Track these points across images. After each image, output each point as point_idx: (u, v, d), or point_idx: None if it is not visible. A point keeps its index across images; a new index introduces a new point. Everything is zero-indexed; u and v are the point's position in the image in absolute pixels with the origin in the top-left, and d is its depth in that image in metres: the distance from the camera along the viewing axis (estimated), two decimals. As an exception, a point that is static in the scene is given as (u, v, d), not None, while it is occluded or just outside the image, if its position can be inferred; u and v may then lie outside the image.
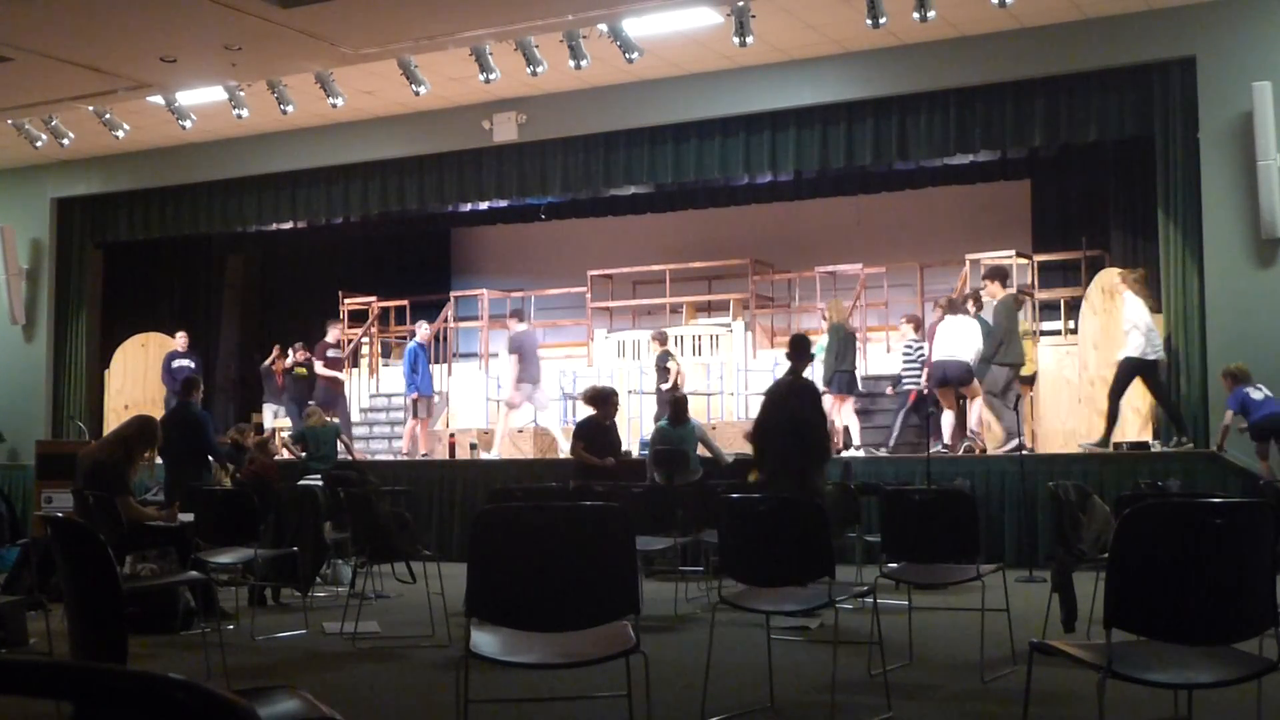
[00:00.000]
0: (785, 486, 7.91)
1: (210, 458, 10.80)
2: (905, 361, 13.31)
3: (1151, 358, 11.27)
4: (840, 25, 11.80)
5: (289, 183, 15.65)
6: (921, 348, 13.07)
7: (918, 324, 13.51)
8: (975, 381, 12.27)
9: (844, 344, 13.11)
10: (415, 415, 15.16)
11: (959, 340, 12.36)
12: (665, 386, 14.02)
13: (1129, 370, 11.31)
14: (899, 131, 12.61)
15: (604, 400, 10.04)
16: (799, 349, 8.59)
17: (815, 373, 12.32)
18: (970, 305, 12.79)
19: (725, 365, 15.29)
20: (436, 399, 15.88)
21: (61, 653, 5.88)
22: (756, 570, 5.47)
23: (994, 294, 12.46)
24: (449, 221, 18.43)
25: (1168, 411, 11.44)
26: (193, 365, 15.88)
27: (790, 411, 8.15)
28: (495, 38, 11.75)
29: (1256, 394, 10.51)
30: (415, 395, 15.06)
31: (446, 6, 11.05)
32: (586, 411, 11.32)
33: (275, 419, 16.05)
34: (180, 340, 16.32)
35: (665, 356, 14.33)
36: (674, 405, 11.19)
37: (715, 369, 15.28)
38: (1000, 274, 12.71)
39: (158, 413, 11.88)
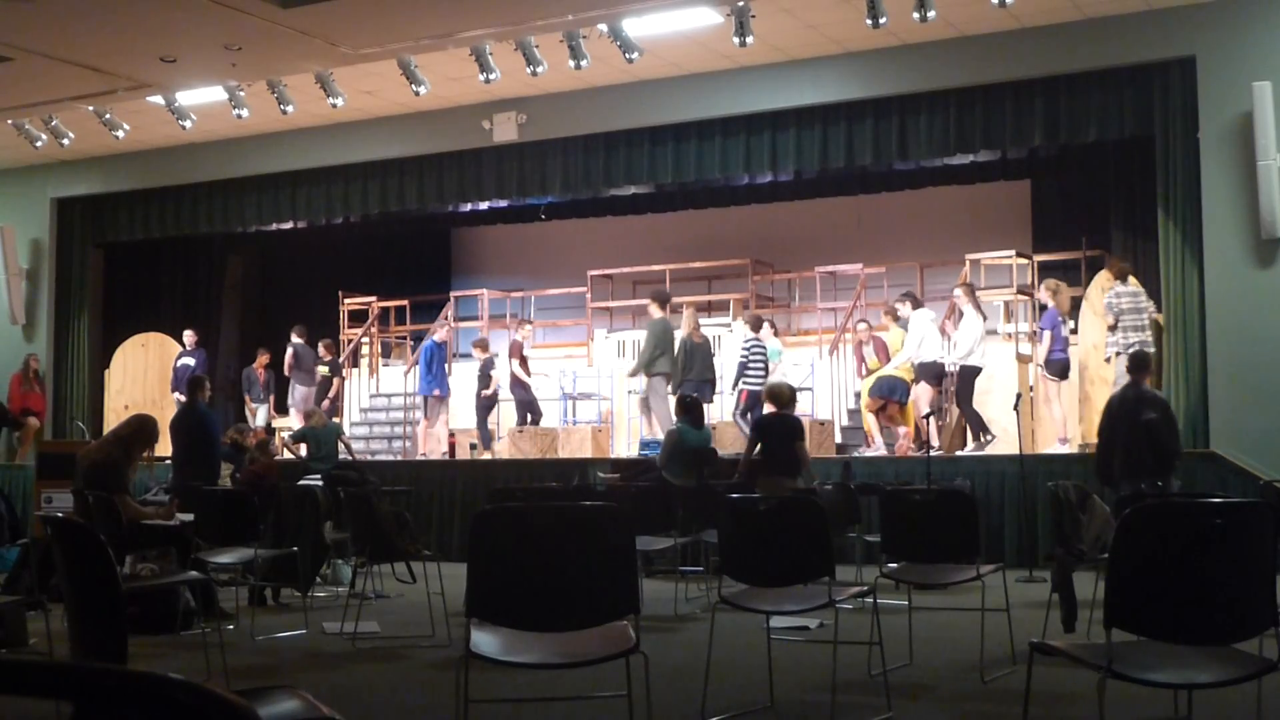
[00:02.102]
0: (1131, 488, 8.62)
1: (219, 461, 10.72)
2: (745, 360, 13.32)
3: (977, 364, 12.42)
4: (840, 25, 11.81)
5: (289, 183, 15.65)
6: (762, 348, 13.34)
7: (756, 323, 13.68)
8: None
9: (689, 355, 13.23)
10: (426, 415, 15.10)
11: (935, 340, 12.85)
12: (486, 392, 14.74)
13: (969, 377, 12.38)
14: (899, 131, 12.61)
15: (794, 398, 10.22)
16: (1140, 365, 9.38)
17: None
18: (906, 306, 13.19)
19: (725, 365, 15.26)
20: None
21: (61, 653, 5.88)
22: (756, 570, 5.47)
23: (652, 315, 13.46)
24: (449, 221, 18.44)
25: (969, 416, 12.37)
26: (193, 363, 15.87)
27: (1141, 420, 8.95)
28: (495, 38, 11.75)
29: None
30: (435, 394, 14.99)
31: (446, 6, 11.05)
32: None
33: (260, 419, 16.05)
34: (187, 338, 16.32)
35: (489, 364, 14.88)
36: (693, 409, 11.13)
37: (715, 369, 15.23)
38: (661, 297, 13.69)
39: (157, 412, 11.87)
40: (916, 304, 13.14)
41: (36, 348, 16.65)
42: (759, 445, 9.70)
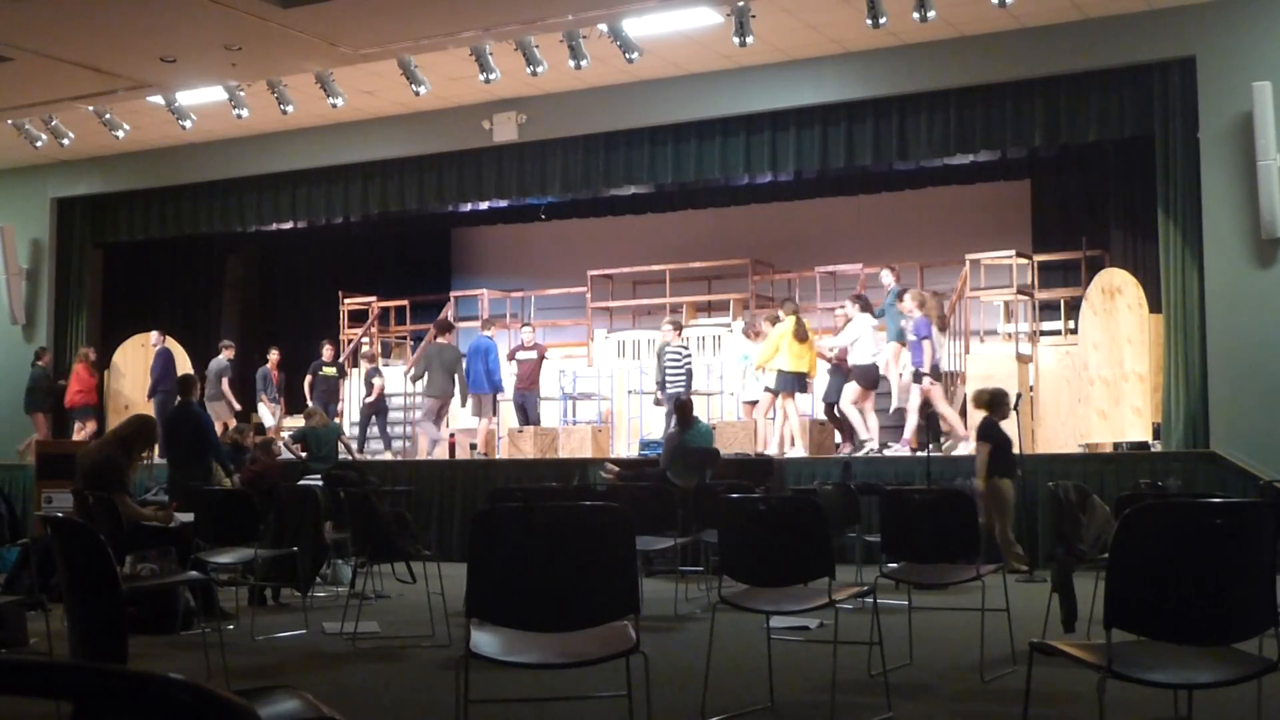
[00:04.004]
0: None
1: (213, 459, 10.69)
2: (671, 367, 13.79)
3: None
4: (840, 25, 11.81)
5: (289, 183, 15.65)
6: (689, 354, 13.90)
7: (679, 328, 14.25)
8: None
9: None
10: (482, 414, 14.87)
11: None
12: (370, 399, 15.60)
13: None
14: (899, 131, 12.60)
15: (1000, 402, 10.29)
16: None
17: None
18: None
19: (725, 365, 15.29)
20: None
21: (61, 653, 5.88)
22: (756, 570, 5.46)
23: (445, 340, 14.89)
24: (449, 221, 18.44)
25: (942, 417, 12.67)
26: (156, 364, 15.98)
27: None
28: (495, 38, 11.75)
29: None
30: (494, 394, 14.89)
31: (446, 6, 11.05)
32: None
33: (273, 418, 16.06)
34: (154, 338, 16.36)
35: (374, 373, 15.66)
36: (681, 410, 11.15)
37: (716, 369, 15.29)
38: (444, 326, 15.21)
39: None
40: (866, 307, 13.33)
41: (36, 348, 16.64)
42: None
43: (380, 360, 16.36)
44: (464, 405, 14.93)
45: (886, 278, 13.70)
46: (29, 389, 16.10)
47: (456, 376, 14.69)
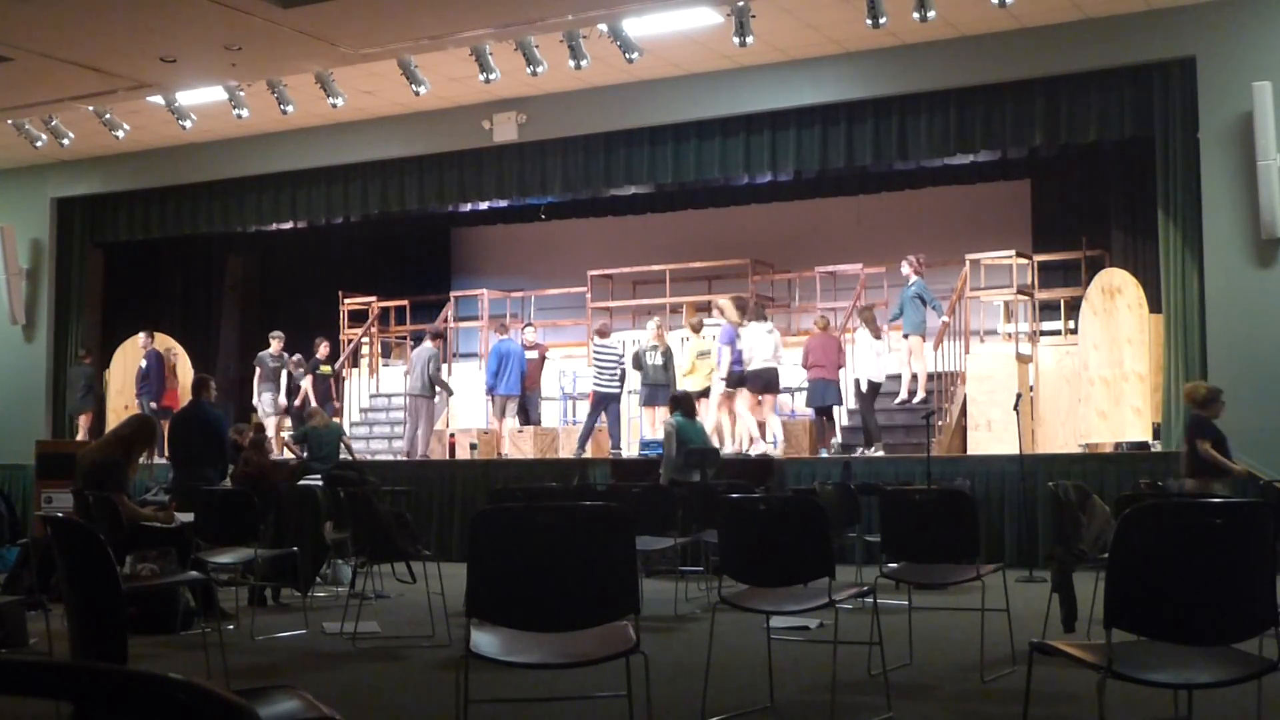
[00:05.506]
0: None
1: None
2: (599, 366, 14.30)
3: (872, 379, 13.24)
4: (840, 25, 11.81)
5: (289, 183, 15.65)
6: (617, 355, 14.38)
7: (604, 332, 14.67)
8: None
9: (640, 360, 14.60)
10: (501, 415, 14.84)
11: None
12: (297, 403, 15.94)
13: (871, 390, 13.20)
14: (899, 131, 12.61)
15: (1213, 400, 10.12)
16: None
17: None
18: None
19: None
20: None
21: (61, 653, 5.88)
22: (756, 570, 5.46)
23: (430, 344, 15.16)
24: (449, 221, 18.44)
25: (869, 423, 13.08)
26: (144, 365, 15.92)
27: None
28: (495, 38, 11.75)
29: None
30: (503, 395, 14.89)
31: (446, 6, 11.05)
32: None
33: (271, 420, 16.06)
34: (142, 340, 16.35)
35: (302, 375, 16.11)
36: (684, 402, 11.18)
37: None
38: (434, 332, 15.59)
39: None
40: (757, 315, 13.53)
41: (36, 348, 16.64)
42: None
43: (302, 366, 16.40)
44: (435, 400, 15.22)
45: (905, 269, 13.68)
46: (81, 390, 16.11)
47: (421, 376, 14.86)
